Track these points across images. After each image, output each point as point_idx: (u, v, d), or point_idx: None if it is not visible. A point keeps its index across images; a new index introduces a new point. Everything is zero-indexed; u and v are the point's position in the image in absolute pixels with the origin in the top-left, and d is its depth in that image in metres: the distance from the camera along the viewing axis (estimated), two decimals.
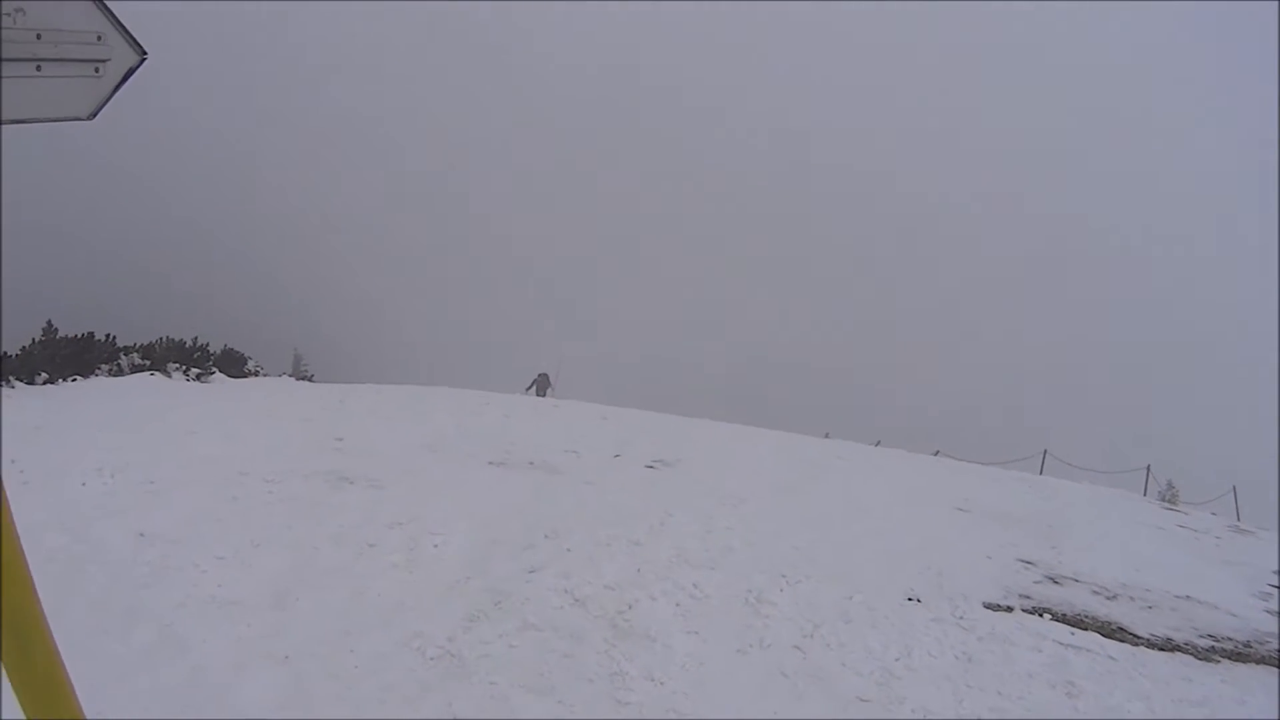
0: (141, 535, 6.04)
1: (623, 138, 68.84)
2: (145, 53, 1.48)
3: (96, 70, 1.46)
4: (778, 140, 69.89)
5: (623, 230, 66.84)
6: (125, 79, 1.48)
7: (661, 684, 4.68)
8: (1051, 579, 7.29)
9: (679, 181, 69.14)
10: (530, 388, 23.33)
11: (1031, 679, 5.17)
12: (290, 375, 23.08)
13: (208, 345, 19.79)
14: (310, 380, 22.73)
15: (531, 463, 9.64)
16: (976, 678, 5.10)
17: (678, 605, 5.80)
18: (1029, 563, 7.70)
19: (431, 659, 4.75)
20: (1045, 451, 22.34)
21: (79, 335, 15.29)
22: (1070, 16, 64.62)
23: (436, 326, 58.14)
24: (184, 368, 17.27)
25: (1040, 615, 6.29)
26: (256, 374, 20.58)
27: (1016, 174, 66.18)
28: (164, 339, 18.88)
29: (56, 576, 5.23)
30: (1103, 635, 6.02)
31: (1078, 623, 6.23)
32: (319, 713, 4.09)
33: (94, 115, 1.47)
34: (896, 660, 5.22)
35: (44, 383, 13.10)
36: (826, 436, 18.59)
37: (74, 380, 13.65)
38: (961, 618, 6.04)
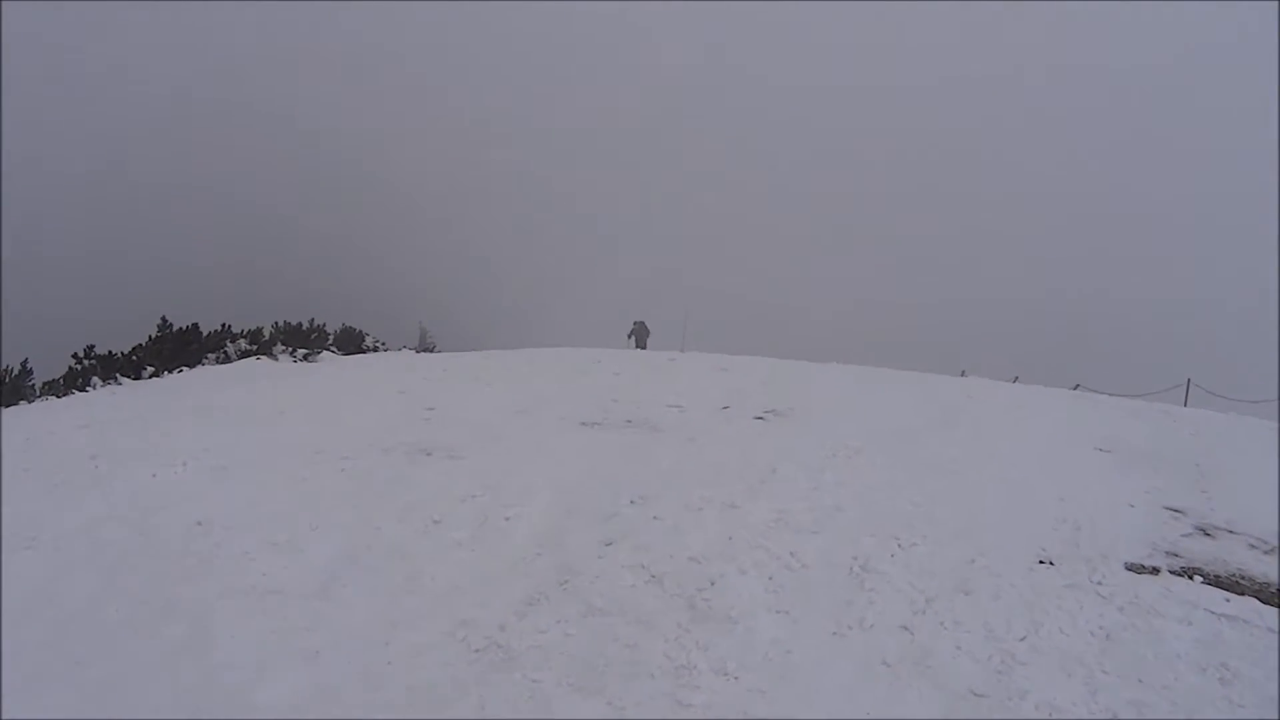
0: (198, 524, 5.86)
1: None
2: None
3: None
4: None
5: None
6: None
7: (735, 679, 4.06)
8: (1202, 530, 6.23)
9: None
10: (629, 338, 22.33)
11: (1179, 661, 4.26)
12: (412, 349, 23.13)
13: (323, 325, 20.04)
14: (432, 353, 22.72)
15: (629, 421, 8.98)
16: (1114, 661, 4.23)
17: (770, 579, 5.11)
18: (1177, 511, 6.63)
19: (476, 651, 4.30)
20: (1189, 380, 20.27)
21: (184, 327, 15.66)
22: None
23: (567, 283, 59.89)
24: (290, 349, 17.54)
25: (1190, 577, 5.28)
26: (375, 350, 20.74)
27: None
28: (276, 323, 19.22)
29: (107, 569, 5.09)
30: (1261, 601, 4.99)
31: (1232, 585, 5.21)
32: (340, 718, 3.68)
33: None
34: (1021, 640, 4.40)
35: (150, 376, 13.43)
36: (963, 374, 17.27)
37: (179, 372, 13.95)
38: (1100, 583, 5.12)
